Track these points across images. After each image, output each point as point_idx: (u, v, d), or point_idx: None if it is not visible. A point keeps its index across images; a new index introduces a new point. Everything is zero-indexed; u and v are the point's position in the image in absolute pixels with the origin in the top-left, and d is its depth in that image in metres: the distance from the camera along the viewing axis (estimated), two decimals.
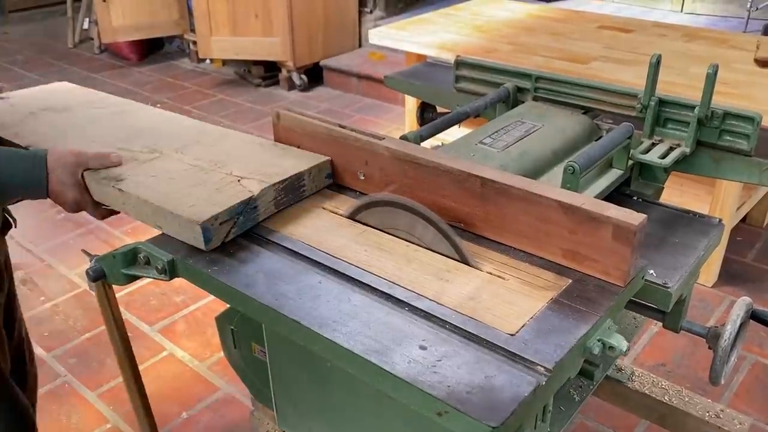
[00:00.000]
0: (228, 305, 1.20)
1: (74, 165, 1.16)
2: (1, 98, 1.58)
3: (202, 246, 1.03)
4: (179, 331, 2.44)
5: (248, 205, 1.09)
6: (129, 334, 2.26)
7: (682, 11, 5.09)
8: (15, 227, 1.42)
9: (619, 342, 0.87)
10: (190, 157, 1.26)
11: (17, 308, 1.50)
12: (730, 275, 2.64)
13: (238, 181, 1.14)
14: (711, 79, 1.30)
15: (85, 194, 1.19)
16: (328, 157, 1.22)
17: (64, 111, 1.52)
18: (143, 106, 1.58)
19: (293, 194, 1.18)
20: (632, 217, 0.90)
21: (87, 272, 1.08)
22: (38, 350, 2.33)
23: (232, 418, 2.06)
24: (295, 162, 1.21)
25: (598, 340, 0.87)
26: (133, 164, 1.23)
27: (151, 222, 1.11)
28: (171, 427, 2.03)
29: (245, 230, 1.11)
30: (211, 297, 1.12)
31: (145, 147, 1.31)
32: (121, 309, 2.49)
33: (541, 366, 0.79)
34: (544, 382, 0.77)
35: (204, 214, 1.03)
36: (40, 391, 1.91)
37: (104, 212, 1.23)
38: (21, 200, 1.23)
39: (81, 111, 1.53)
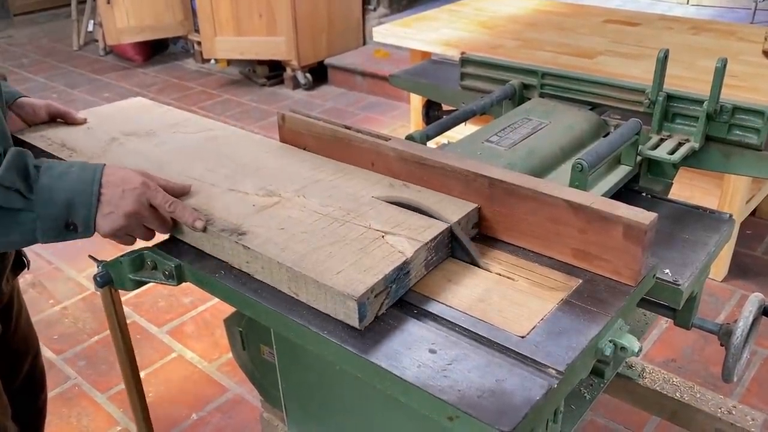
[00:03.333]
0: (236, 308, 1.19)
1: (140, 192, 1.00)
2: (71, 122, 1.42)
3: (354, 324, 0.86)
4: (188, 333, 2.45)
5: (401, 270, 0.92)
6: (138, 336, 2.26)
7: (687, 3, 5.05)
8: (28, 269, 1.33)
9: (631, 342, 0.86)
10: (315, 203, 1.08)
11: (28, 342, 1.43)
12: (740, 269, 2.62)
13: (383, 237, 0.97)
14: (719, 73, 1.28)
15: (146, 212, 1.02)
16: (476, 205, 1.05)
17: (148, 136, 1.36)
18: (233, 129, 1.41)
19: (443, 252, 1.00)
20: (643, 216, 0.89)
21: (95, 278, 1.08)
22: (48, 353, 2.34)
23: (241, 420, 2.06)
24: (439, 210, 1.04)
25: (610, 341, 0.86)
26: (250, 211, 1.06)
27: (284, 287, 0.94)
28: (181, 428, 2.04)
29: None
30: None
31: (259, 188, 1.14)
32: (130, 311, 2.54)
33: (553, 368, 0.78)
34: (555, 385, 0.76)
35: (358, 285, 0.86)
36: (51, 394, 1.92)
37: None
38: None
39: (167, 136, 1.37)
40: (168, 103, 4.76)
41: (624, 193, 1.33)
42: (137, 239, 1.05)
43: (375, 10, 5.21)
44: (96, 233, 1.00)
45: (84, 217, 0.97)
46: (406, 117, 4.01)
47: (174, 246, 1.08)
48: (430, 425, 0.85)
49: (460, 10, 3.46)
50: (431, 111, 1.80)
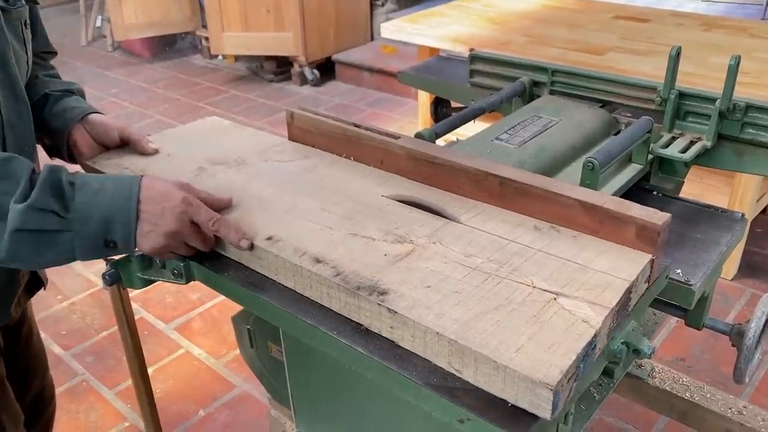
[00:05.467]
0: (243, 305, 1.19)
1: (182, 211, 0.94)
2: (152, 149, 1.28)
3: (544, 415, 0.71)
4: (195, 329, 2.45)
5: (590, 345, 0.76)
6: (145, 332, 2.27)
7: None
8: (45, 289, 1.29)
9: (644, 344, 0.85)
10: (456, 252, 0.92)
11: (38, 360, 1.40)
12: (751, 268, 2.61)
13: (554, 299, 0.82)
14: (733, 70, 1.26)
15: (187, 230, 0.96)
16: (650, 256, 0.90)
17: (239, 165, 1.22)
18: (331, 156, 1.25)
19: (621, 316, 0.85)
20: (656, 216, 0.88)
21: (103, 276, 1.07)
22: (56, 348, 2.35)
23: (248, 416, 2.06)
24: (609, 262, 0.89)
25: (623, 343, 0.85)
26: (382, 262, 0.91)
27: (441, 361, 0.78)
28: (188, 425, 2.04)
29: None
30: None
31: (385, 232, 0.98)
32: (138, 307, 2.54)
33: None
34: None
35: (549, 369, 0.70)
36: (59, 389, 1.92)
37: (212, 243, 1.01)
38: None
39: (260, 165, 1.22)
40: (176, 99, 4.77)
41: (634, 191, 1.32)
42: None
43: (383, 5, 5.19)
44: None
45: (123, 235, 0.93)
46: (414, 113, 4.00)
47: None
48: (440, 427, 0.84)
49: (469, 6, 3.45)
50: (440, 108, 1.79)
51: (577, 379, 0.74)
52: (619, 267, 0.88)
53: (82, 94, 1.29)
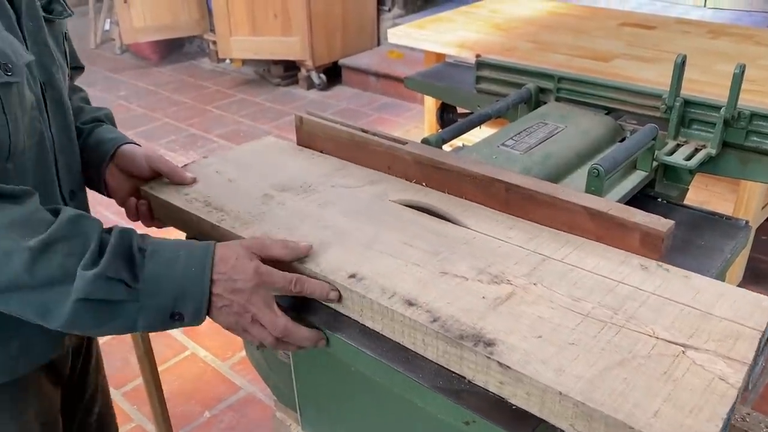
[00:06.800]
0: None
1: (256, 284, 0.86)
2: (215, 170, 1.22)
3: None
4: (201, 331, 2.46)
5: (733, 407, 0.69)
6: (151, 334, 2.29)
7: (705, 6, 5.02)
8: None
9: None
10: (562, 296, 0.84)
11: (96, 385, 1.28)
12: (755, 275, 2.61)
13: (683, 353, 0.74)
14: (737, 79, 1.27)
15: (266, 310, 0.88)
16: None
17: (305, 192, 1.13)
18: (401, 182, 1.16)
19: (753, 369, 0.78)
20: (660, 223, 0.89)
21: None
22: None
23: (254, 418, 2.07)
24: (731, 308, 0.82)
25: None
26: (481, 306, 0.82)
27: (563, 422, 0.70)
28: (193, 426, 2.06)
29: None
30: None
31: (478, 271, 0.89)
32: None
33: None
34: None
35: None
36: None
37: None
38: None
39: (328, 192, 1.13)
40: (183, 102, 4.80)
41: (639, 198, 1.33)
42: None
43: (389, 11, 5.22)
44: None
45: (194, 310, 0.86)
46: (420, 118, 4.02)
47: None
48: (446, 429, 0.85)
49: (475, 12, 3.46)
50: (446, 114, 1.81)
51: None
52: (743, 313, 0.80)
53: (110, 120, 1.23)
